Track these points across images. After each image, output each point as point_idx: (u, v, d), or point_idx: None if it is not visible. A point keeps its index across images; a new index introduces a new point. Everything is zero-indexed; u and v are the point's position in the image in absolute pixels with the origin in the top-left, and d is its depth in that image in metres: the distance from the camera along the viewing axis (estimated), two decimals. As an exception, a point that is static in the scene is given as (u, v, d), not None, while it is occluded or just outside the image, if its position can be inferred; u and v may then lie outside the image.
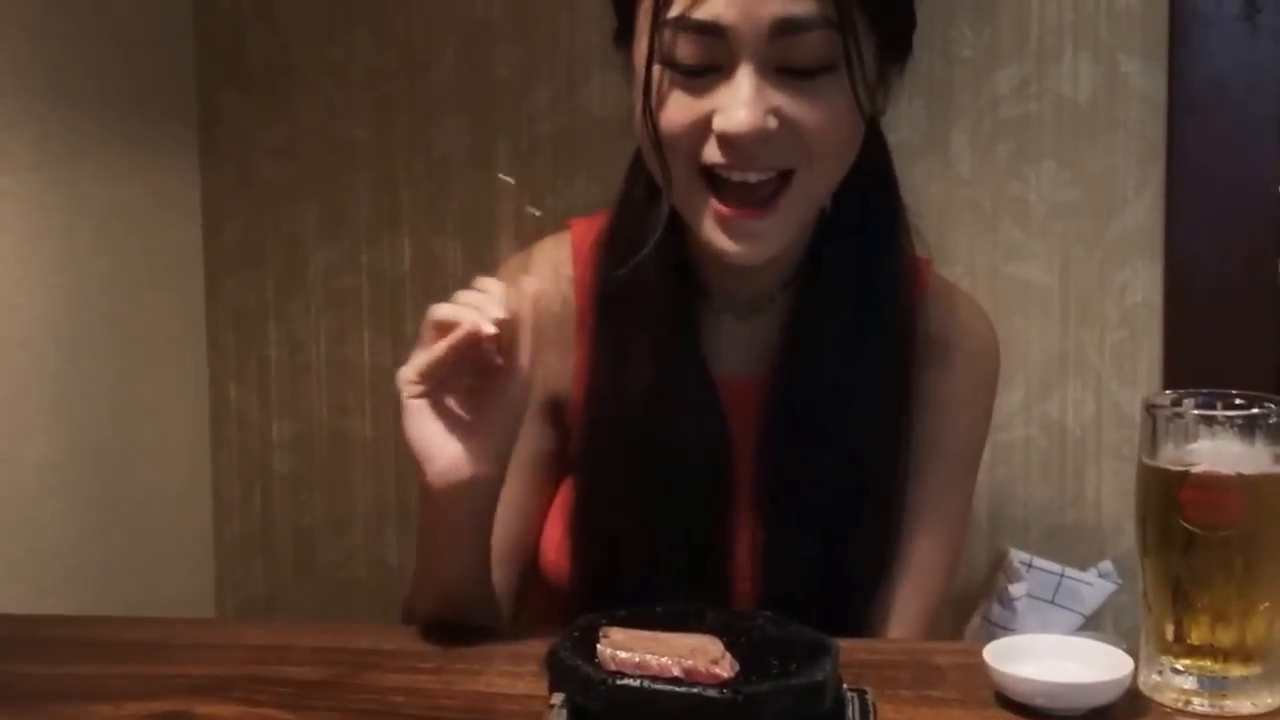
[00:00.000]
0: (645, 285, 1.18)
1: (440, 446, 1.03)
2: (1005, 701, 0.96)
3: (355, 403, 2.04)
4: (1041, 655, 0.99)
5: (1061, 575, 1.91)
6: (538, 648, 0.81)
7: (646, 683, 0.69)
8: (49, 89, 1.62)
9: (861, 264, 1.21)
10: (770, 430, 1.20)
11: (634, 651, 0.70)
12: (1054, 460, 1.93)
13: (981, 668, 0.97)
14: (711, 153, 1.09)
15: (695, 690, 0.69)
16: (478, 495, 1.07)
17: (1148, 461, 0.97)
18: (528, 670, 1.03)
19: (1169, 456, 0.96)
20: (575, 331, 1.24)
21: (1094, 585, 1.91)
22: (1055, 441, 1.92)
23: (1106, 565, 1.92)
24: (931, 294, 1.26)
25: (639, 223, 1.19)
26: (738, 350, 1.23)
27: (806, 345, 1.19)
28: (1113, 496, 1.90)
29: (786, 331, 1.21)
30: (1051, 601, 1.93)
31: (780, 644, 0.76)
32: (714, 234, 1.12)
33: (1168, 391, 0.99)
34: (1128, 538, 1.95)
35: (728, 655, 0.72)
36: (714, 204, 1.10)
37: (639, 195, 1.21)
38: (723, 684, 0.69)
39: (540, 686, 0.78)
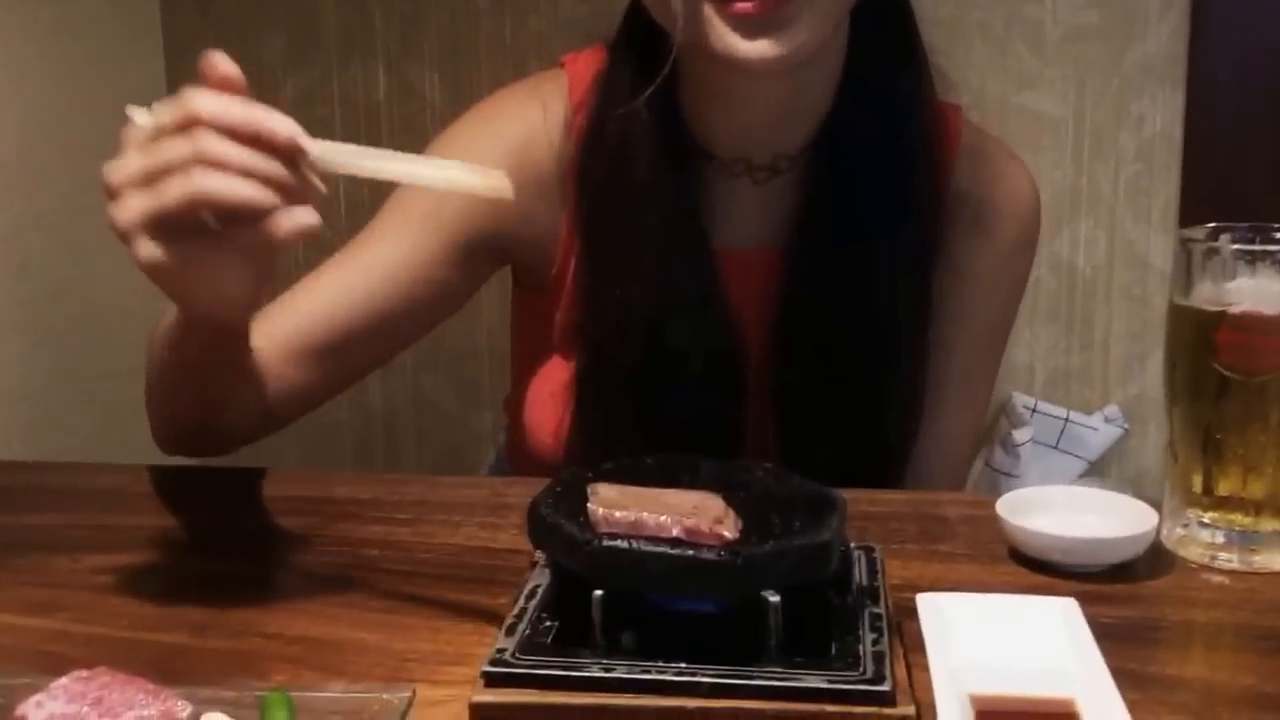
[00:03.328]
0: (642, 140, 1.07)
1: (178, 272, 0.80)
2: (1019, 556, 0.91)
3: (329, 237, 1.96)
4: (1057, 507, 0.93)
5: (1066, 420, 1.88)
6: (523, 496, 0.75)
7: (637, 544, 0.63)
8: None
9: (885, 120, 1.09)
10: (787, 309, 1.10)
11: (628, 509, 0.64)
12: (1062, 301, 1.87)
13: (992, 520, 0.92)
14: None
15: (689, 553, 0.63)
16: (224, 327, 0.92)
17: (1180, 301, 0.90)
18: (511, 523, 0.98)
19: (1204, 296, 0.89)
20: (566, 183, 1.12)
21: (1100, 430, 1.88)
22: (1064, 282, 1.85)
23: (1113, 410, 1.89)
24: (964, 148, 1.15)
25: (639, 64, 1.07)
26: (753, 221, 1.12)
27: (827, 213, 1.09)
28: (1122, 339, 1.84)
29: (806, 198, 1.10)
30: (1055, 447, 1.90)
31: (782, 500, 0.71)
32: (728, 38, 0.98)
33: (1205, 225, 0.91)
34: (1136, 382, 1.91)
35: (732, 513, 0.66)
36: (724, 8, 0.99)
37: (639, 32, 1.09)
38: (724, 545, 0.63)
39: (524, 540, 0.73)
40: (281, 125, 0.76)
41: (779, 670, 0.63)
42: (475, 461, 1.80)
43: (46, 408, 1.64)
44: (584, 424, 1.11)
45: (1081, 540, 0.88)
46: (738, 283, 1.10)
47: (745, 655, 0.64)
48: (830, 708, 0.62)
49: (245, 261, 0.81)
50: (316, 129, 0.80)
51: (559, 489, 0.72)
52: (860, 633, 0.68)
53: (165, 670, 0.76)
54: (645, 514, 0.64)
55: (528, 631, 0.68)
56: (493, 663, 0.65)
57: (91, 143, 1.70)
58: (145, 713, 0.66)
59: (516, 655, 0.65)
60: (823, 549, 0.66)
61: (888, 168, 1.09)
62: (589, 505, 0.66)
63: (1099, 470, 1.96)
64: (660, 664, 0.64)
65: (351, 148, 0.80)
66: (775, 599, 0.63)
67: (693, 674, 0.63)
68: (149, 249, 0.78)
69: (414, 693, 0.69)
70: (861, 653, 0.66)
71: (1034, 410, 1.84)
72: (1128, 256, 1.83)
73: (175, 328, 0.95)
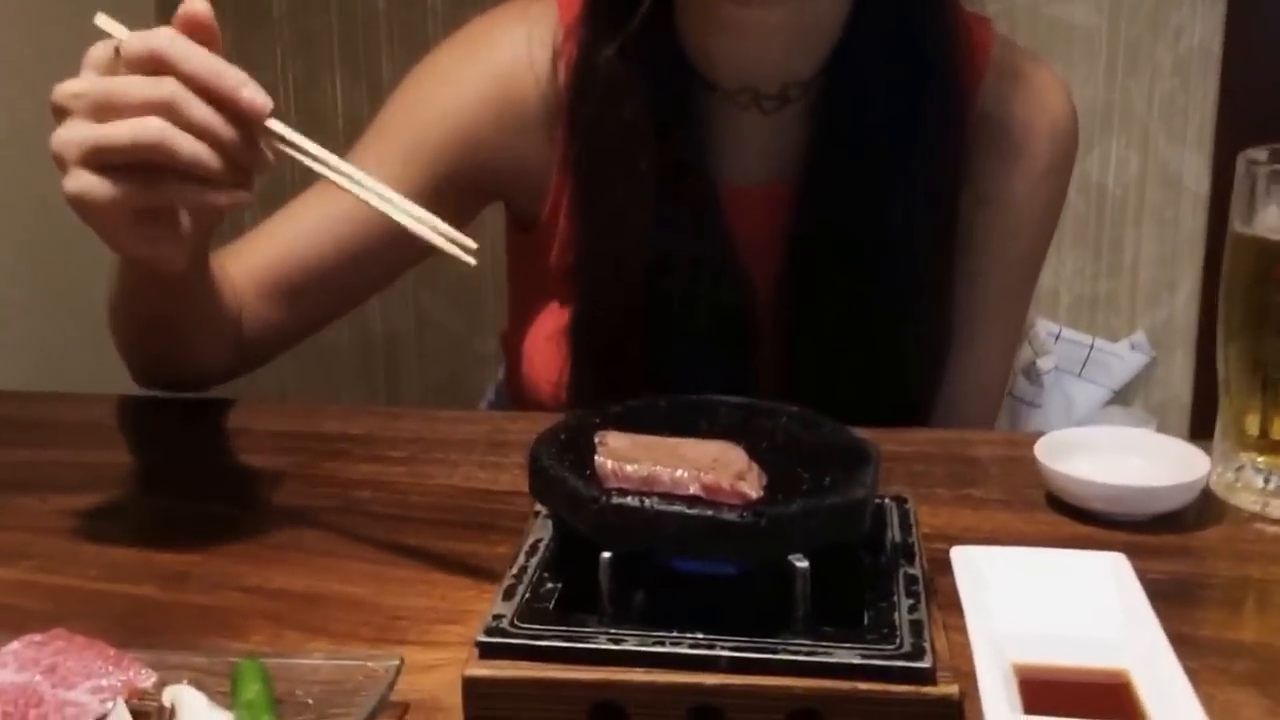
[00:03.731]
0: (637, 71, 0.99)
1: (105, 211, 0.75)
2: (1056, 503, 0.84)
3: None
4: (1099, 449, 0.87)
5: (1091, 347, 1.82)
6: (525, 433, 0.69)
7: (650, 502, 0.57)
8: None
9: (903, 40, 1.00)
10: (799, 247, 1.02)
11: (640, 463, 0.57)
12: (1089, 224, 1.79)
13: (1027, 462, 0.86)
14: None
15: (708, 513, 0.56)
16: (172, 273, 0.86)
17: (1241, 230, 0.83)
18: (513, 462, 0.92)
19: (1269, 224, 0.81)
20: (556, 114, 1.04)
21: (1125, 358, 1.83)
22: (1092, 203, 1.78)
23: (1139, 337, 1.84)
24: (995, 67, 1.06)
25: None
26: (761, 155, 1.04)
27: (841, 143, 1.01)
28: (1151, 263, 1.77)
29: (818, 128, 1.02)
30: (1078, 375, 1.84)
31: (810, 451, 0.64)
32: None
33: (1271, 145, 0.83)
34: (1164, 307, 1.84)
35: (755, 468, 0.59)
36: None
37: None
38: (747, 505, 0.56)
39: (526, 481, 0.67)
40: (251, 96, 0.73)
41: (806, 643, 0.57)
42: (479, 385, 1.74)
43: (28, 336, 1.58)
44: (582, 374, 1.05)
45: (1129, 489, 0.81)
46: (745, 222, 1.02)
47: (768, 625, 0.58)
48: (864, 685, 0.56)
49: (178, 213, 0.78)
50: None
51: (563, 435, 0.65)
52: (895, 598, 0.61)
53: (134, 628, 0.71)
54: (659, 468, 0.57)
55: (527, 595, 0.61)
56: (488, 631, 0.58)
57: (78, 59, 1.63)
58: (104, 682, 0.60)
59: (515, 623, 0.59)
60: (855, 508, 0.59)
61: (907, 91, 1.00)
62: (597, 458, 0.59)
63: (1123, 399, 1.90)
64: (675, 634, 0.57)
65: (314, 145, 0.76)
66: (803, 565, 0.57)
67: (710, 646, 0.57)
68: (80, 181, 0.73)
69: (402, 661, 0.63)
70: (897, 621, 0.59)
71: (1058, 337, 1.78)
72: (1160, 177, 1.75)
73: (120, 261, 0.91)
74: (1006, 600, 0.67)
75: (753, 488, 0.57)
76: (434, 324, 2.17)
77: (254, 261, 1.03)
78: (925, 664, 0.56)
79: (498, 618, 0.59)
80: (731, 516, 0.56)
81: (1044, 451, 0.85)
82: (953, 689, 0.56)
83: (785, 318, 1.03)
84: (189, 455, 0.97)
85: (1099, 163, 1.75)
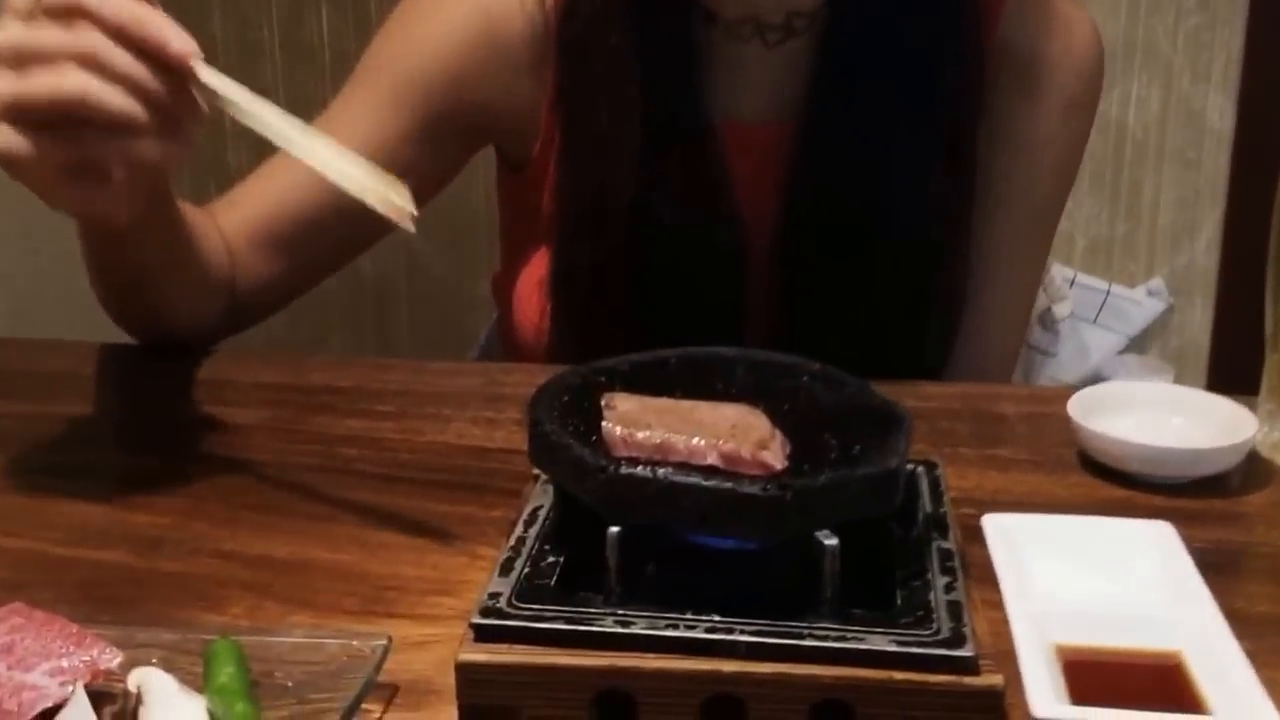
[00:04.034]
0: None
1: (33, 167, 0.71)
2: (1090, 464, 0.79)
3: (315, 93, 1.83)
4: (1136, 406, 0.82)
5: (1108, 293, 1.79)
6: (522, 386, 0.64)
7: (663, 473, 0.51)
8: None
9: None
10: (802, 189, 0.96)
11: (652, 429, 0.52)
12: (1108, 165, 1.73)
13: (1056, 419, 0.81)
14: None
15: (728, 485, 0.51)
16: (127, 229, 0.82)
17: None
18: (508, 418, 0.87)
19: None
20: (547, 56, 0.98)
21: (1143, 304, 1.80)
22: (1111, 144, 1.72)
23: (1157, 283, 1.80)
24: None
25: None
26: (763, 91, 0.97)
27: (850, 77, 0.95)
28: (1171, 206, 1.72)
29: (824, 62, 0.96)
30: (1094, 322, 1.80)
31: (837, 415, 0.58)
32: None
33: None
34: (1184, 252, 1.80)
35: (778, 435, 0.54)
36: None
37: None
38: (770, 476, 0.51)
39: (524, 438, 0.61)
40: (176, 40, 0.69)
41: (834, 627, 0.52)
42: (472, 332, 1.69)
43: (6, 275, 1.52)
44: (562, 320, 0.99)
45: (1173, 451, 0.76)
46: (744, 161, 0.96)
47: (792, 607, 0.53)
48: (899, 675, 0.50)
49: (110, 168, 0.72)
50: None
51: (565, 397, 0.59)
52: (929, 575, 0.56)
53: (100, 599, 0.66)
54: (673, 435, 0.52)
55: (526, 570, 0.56)
56: (484, 612, 0.53)
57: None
58: (65, 663, 0.55)
59: (513, 602, 0.54)
60: (888, 480, 0.54)
61: (920, 23, 0.94)
62: (604, 423, 0.54)
63: (1139, 346, 1.85)
64: (689, 617, 0.52)
65: (247, 94, 0.71)
66: (832, 543, 0.51)
67: (729, 630, 0.52)
68: (2, 136, 0.69)
69: (390, 639, 0.58)
70: (933, 603, 0.54)
71: (1073, 283, 1.73)
72: (1183, 117, 1.70)
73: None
74: (1046, 574, 0.63)
75: (776, 458, 0.52)
76: (425, 269, 2.12)
77: (246, 213, 0.99)
78: (967, 651, 0.51)
79: (494, 596, 0.54)
80: (754, 490, 0.51)
81: (1078, 409, 0.80)
82: (997, 679, 0.51)
83: (784, 263, 0.97)
84: (165, 408, 0.92)
85: (1119, 101, 1.70)
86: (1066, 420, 0.80)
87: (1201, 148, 1.73)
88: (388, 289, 2.14)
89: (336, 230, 1.00)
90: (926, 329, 0.99)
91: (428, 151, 0.99)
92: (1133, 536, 0.66)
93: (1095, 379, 1.73)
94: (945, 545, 0.59)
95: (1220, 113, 1.68)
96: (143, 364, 0.99)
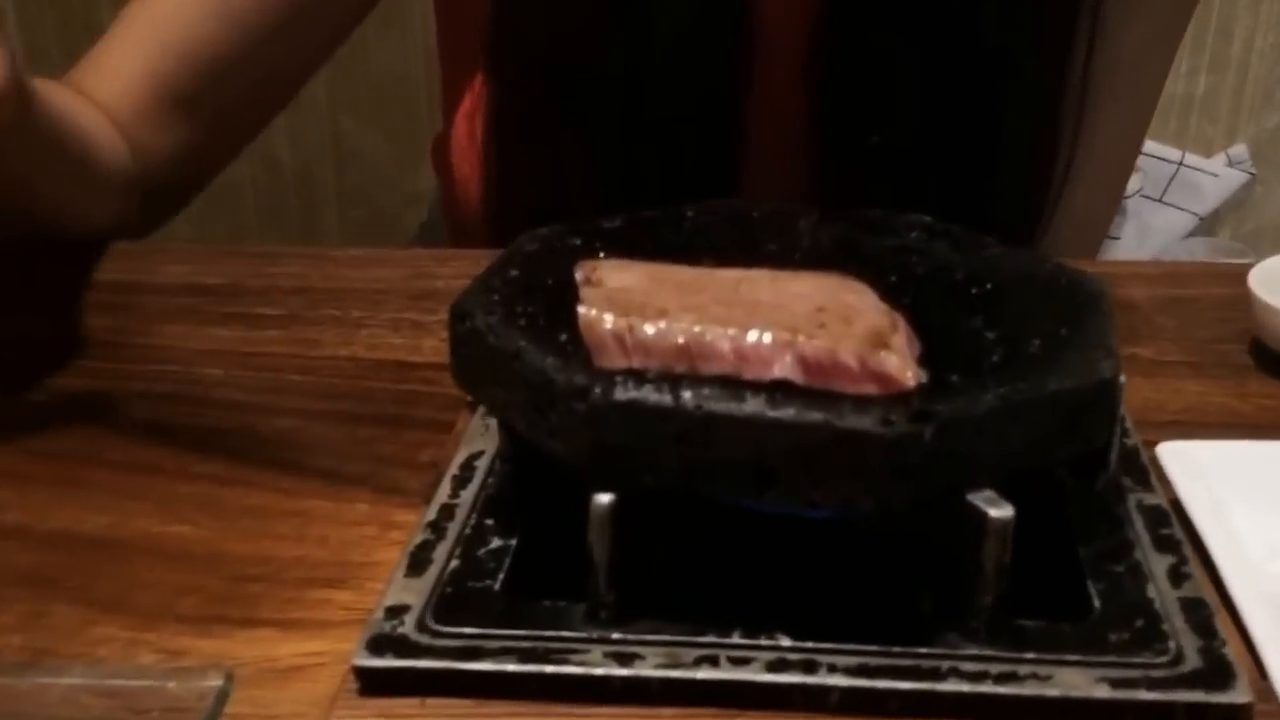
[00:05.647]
0: None
1: None
2: (1268, 361, 0.62)
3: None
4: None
5: (1180, 164, 1.70)
6: (461, 278, 0.45)
7: (691, 396, 0.30)
8: None
9: None
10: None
11: (671, 317, 0.30)
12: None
13: (1207, 305, 0.67)
14: None
15: (816, 416, 0.29)
16: None
17: None
18: (440, 321, 0.66)
19: None
20: None
21: (1220, 176, 1.72)
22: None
23: (1239, 150, 1.70)
24: None
25: None
26: None
27: None
28: (1266, 55, 1.53)
29: None
30: (1160, 200, 1.69)
31: (983, 289, 0.37)
32: None
33: None
34: (1275, 111, 1.63)
35: (902, 324, 0.32)
36: None
37: None
38: (896, 397, 0.30)
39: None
40: None
41: (998, 655, 0.31)
42: (411, 231, 1.55)
43: None
44: (508, 168, 0.85)
45: None
46: None
47: (921, 623, 0.32)
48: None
49: None
50: None
51: (515, 272, 0.38)
52: (1137, 554, 0.36)
53: None
54: (710, 327, 0.30)
55: (455, 565, 0.35)
56: (373, 644, 0.32)
57: None
58: None
59: (428, 623, 0.33)
60: (1100, 397, 0.33)
61: None
62: (581, 308, 0.32)
63: (1208, 228, 1.71)
64: (738, 643, 0.32)
65: None
66: (1004, 513, 0.30)
67: (809, 667, 0.31)
68: None
69: (229, 677, 0.37)
70: (1157, 605, 0.34)
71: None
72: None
73: None
74: (1254, 519, 0.47)
75: (904, 364, 0.30)
76: (354, 153, 2.00)
77: (123, 78, 0.85)
78: (1237, 696, 0.31)
79: (395, 612, 0.33)
80: (867, 423, 0.30)
81: (1260, 282, 0.62)
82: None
83: (811, 71, 0.79)
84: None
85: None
86: (1226, 307, 0.65)
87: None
88: (310, 177, 2.01)
89: (248, 70, 0.86)
90: (1013, 174, 0.84)
91: None
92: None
93: (1156, 266, 1.62)
94: (1151, 500, 0.38)
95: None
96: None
